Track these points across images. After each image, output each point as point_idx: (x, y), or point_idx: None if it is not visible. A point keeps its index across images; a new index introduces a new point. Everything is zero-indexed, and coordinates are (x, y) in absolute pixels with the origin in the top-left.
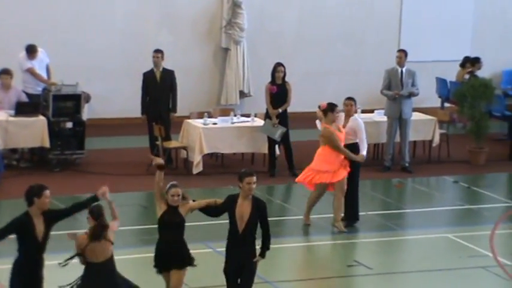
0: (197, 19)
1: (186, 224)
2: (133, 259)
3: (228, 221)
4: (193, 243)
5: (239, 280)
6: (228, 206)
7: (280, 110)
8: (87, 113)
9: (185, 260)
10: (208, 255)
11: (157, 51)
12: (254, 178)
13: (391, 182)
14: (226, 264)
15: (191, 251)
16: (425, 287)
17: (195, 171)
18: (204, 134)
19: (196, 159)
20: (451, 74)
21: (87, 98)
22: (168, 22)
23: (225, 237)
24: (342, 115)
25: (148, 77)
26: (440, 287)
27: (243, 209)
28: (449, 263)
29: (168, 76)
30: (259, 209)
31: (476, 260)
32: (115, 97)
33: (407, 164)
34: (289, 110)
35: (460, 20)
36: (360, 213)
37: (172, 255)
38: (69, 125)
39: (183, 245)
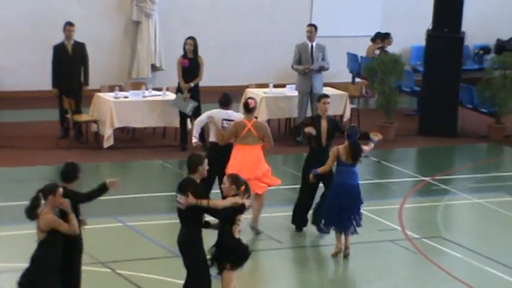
0: None
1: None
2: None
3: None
4: (103, 217)
5: None
6: None
7: (192, 84)
8: None
9: None
10: (119, 228)
11: (71, 25)
12: None
13: (303, 157)
14: None
15: (101, 226)
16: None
17: (105, 145)
18: (115, 107)
19: (107, 133)
20: (362, 49)
21: None
22: None
23: (134, 212)
24: None
25: (59, 50)
26: (351, 261)
27: None
28: (359, 237)
29: (80, 49)
30: None
31: (385, 234)
32: (24, 70)
33: None
34: (201, 84)
35: None
36: (271, 188)
37: None
38: None
39: None
